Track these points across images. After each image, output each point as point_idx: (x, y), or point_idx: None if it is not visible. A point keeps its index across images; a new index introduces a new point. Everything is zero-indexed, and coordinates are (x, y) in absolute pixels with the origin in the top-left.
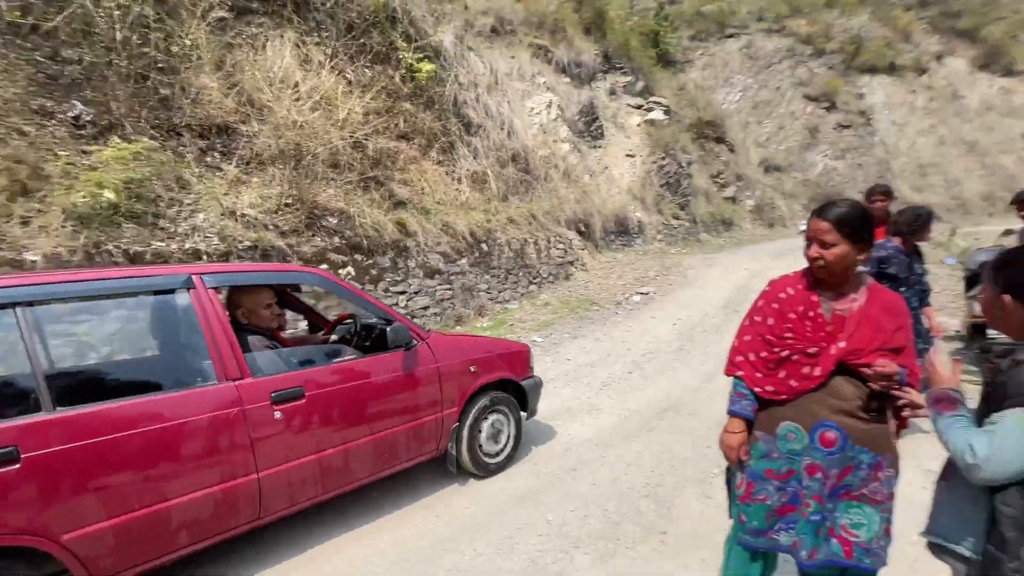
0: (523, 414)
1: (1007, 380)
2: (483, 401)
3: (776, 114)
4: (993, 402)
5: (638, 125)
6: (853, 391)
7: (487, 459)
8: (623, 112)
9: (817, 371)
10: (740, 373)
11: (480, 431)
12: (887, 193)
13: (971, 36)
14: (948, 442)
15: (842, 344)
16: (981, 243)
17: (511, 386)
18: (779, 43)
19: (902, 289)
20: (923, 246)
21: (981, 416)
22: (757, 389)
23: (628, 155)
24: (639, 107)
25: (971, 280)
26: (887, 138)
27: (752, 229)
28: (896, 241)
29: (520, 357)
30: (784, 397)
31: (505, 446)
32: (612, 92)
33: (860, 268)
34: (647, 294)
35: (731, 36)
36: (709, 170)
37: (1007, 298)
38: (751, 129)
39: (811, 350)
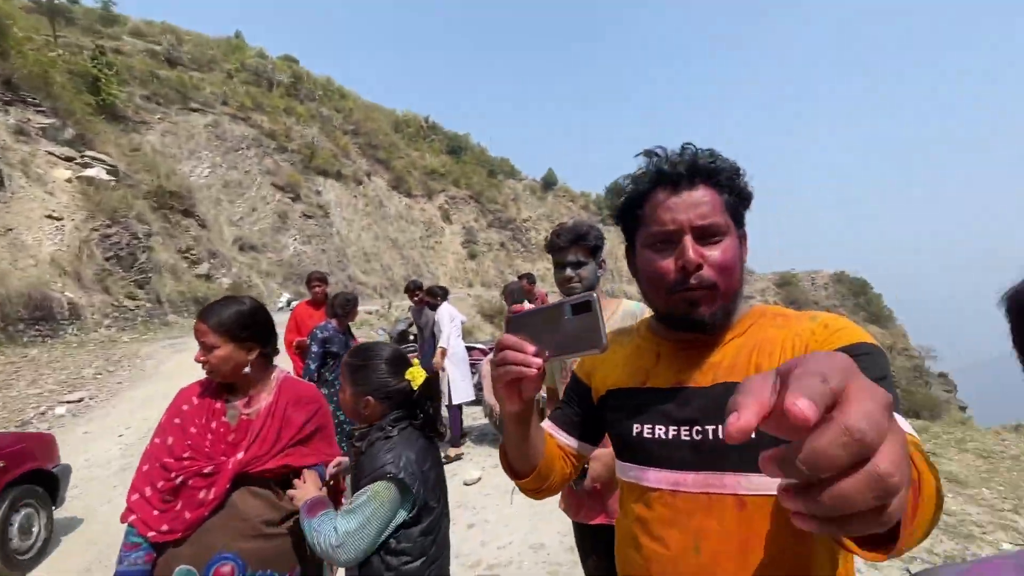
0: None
1: (365, 460)
2: (12, 496)
3: (248, 196)
4: (355, 483)
5: (68, 181)
6: (259, 505)
7: (19, 557)
8: (42, 161)
9: (211, 494)
10: (133, 518)
11: (11, 528)
12: (322, 279)
13: (386, 164)
14: (317, 538)
15: (240, 455)
16: (402, 315)
17: (37, 477)
18: (246, 131)
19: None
20: (355, 322)
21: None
22: (151, 533)
23: (51, 216)
24: (70, 159)
25: (398, 343)
26: (341, 230)
27: None
28: (335, 323)
29: (46, 444)
30: (181, 535)
31: (37, 539)
32: (22, 132)
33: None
34: (80, 401)
35: (196, 110)
36: (177, 244)
37: (370, 399)
38: (224, 207)
39: (207, 470)
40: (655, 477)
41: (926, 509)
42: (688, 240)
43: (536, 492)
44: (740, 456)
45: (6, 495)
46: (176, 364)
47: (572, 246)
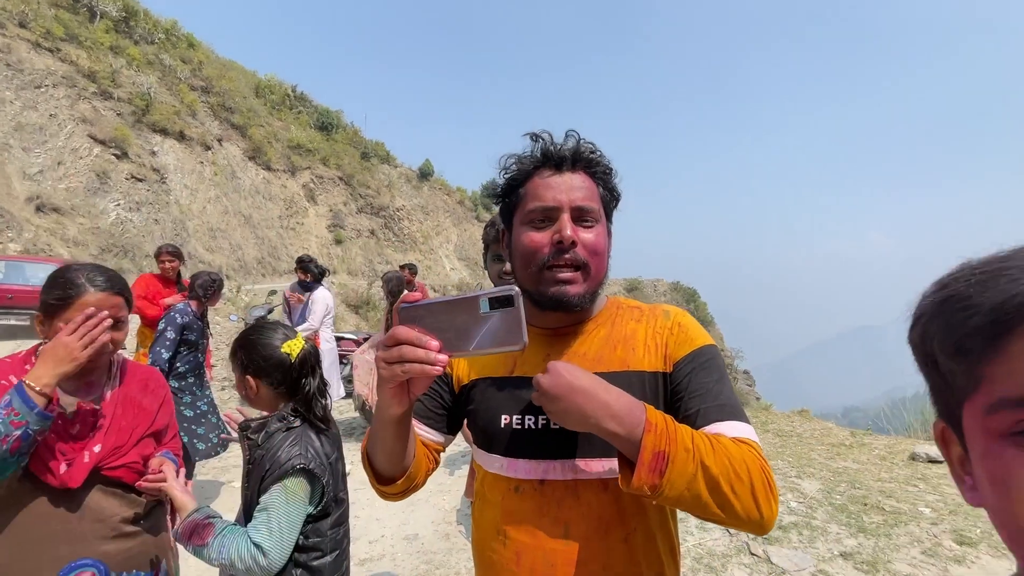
0: None
1: (264, 454)
2: None
3: (53, 146)
4: (254, 480)
5: None
6: (115, 504)
7: None
8: None
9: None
10: None
11: None
12: (175, 254)
13: (242, 131)
14: (231, 559)
15: (97, 448)
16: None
17: None
18: (54, 65)
19: (199, 355)
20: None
21: (250, 497)
22: None
23: None
24: None
25: None
26: (181, 200)
27: None
28: (194, 305)
29: None
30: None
31: None
32: None
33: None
34: None
35: None
36: None
37: (251, 379)
38: (15, 155)
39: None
40: (525, 468)
41: (682, 464)
42: (566, 217)
43: (402, 494)
44: (604, 443)
45: None
46: None
47: None
